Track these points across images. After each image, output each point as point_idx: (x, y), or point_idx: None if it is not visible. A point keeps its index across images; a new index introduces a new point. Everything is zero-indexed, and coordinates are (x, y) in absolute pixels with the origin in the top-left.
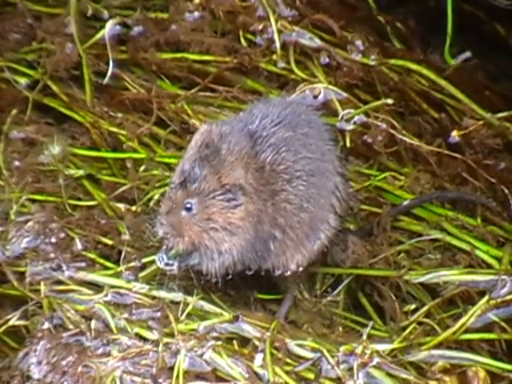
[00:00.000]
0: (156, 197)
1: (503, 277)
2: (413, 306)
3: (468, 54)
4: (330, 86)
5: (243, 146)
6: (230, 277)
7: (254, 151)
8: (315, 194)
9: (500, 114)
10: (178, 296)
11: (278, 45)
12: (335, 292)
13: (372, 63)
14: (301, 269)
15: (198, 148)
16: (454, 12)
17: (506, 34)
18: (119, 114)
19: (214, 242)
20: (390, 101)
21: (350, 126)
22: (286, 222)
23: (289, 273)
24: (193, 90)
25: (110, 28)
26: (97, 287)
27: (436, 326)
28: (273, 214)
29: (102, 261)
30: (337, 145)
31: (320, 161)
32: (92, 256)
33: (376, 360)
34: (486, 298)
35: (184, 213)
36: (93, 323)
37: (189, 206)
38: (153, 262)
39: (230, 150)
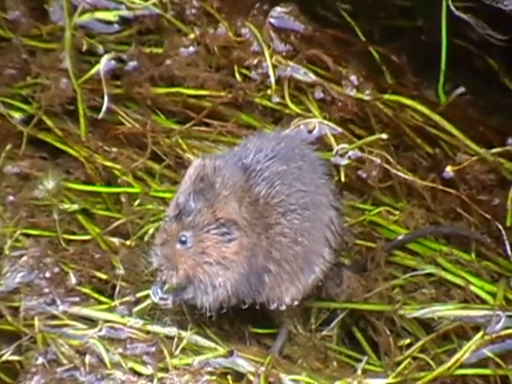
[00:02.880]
0: (150, 231)
1: (498, 312)
2: (407, 341)
3: (462, 89)
4: (325, 121)
5: (237, 180)
6: (224, 311)
7: (248, 185)
8: (310, 227)
9: (494, 150)
10: (172, 331)
11: (272, 80)
12: (330, 326)
13: (366, 98)
14: (295, 302)
15: (192, 181)
16: (447, 47)
17: (499, 69)
18: (114, 149)
19: (207, 276)
20: (384, 136)
21: (345, 161)
22: (281, 256)
23: (283, 307)
24: (187, 125)
25: (104, 63)
26: (91, 322)
27: (431, 361)
28: (267, 248)
29: (96, 295)
30: (331, 179)
31: (314, 194)
32: (86, 290)
33: None
34: (481, 333)
35: (179, 246)
36: (87, 358)
37: (184, 238)
38: (147, 296)
39: (224, 184)
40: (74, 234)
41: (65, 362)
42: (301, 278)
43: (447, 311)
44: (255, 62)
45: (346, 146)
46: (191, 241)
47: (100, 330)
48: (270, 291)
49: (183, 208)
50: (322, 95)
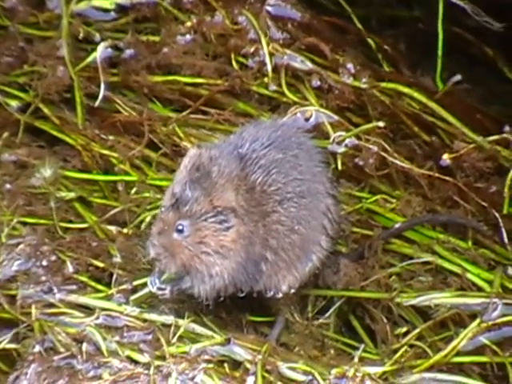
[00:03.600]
0: (147, 219)
1: (494, 300)
2: (404, 329)
3: (458, 77)
4: (322, 109)
5: (233, 169)
6: (221, 299)
7: (244, 173)
8: (306, 215)
9: (491, 138)
10: (169, 319)
11: (269, 68)
12: (327, 314)
13: (363, 86)
14: (292, 291)
15: (188, 171)
16: (444, 35)
17: (496, 57)
18: (111, 137)
19: (205, 265)
20: (381, 124)
21: (342, 149)
22: (278, 244)
23: (280, 295)
24: (184, 113)
25: (101, 51)
26: (88, 310)
27: (427, 349)
28: (264, 236)
29: (93, 283)
30: (328, 167)
31: (311, 182)
32: (83, 279)
33: (367, 383)
34: (478, 320)
35: (176, 235)
36: (84, 346)
37: (181, 227)
38: (144, 284)
39: (220, 173)
40: (70, 222)
41: (62, 350)
42: (298, 266)
43: (444, 299)
44: (252, 50)
45: (342, 133)
46: (188, 229)
47: (97, 318)
48: (267, 279)
49: (180, 197)
50: (318, 83)
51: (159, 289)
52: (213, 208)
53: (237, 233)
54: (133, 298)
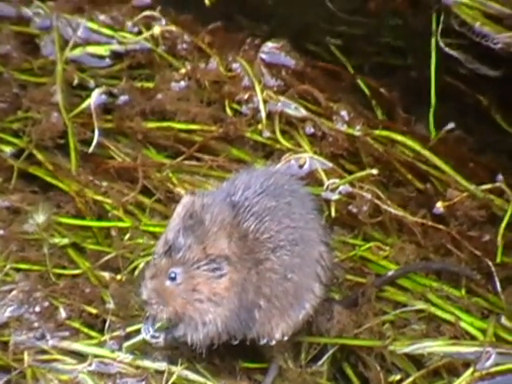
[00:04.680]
0: (141, 265)
1: (488, 349)
2: (398, 377)
3: (452, 125)
4: (316, 156)
5: (226, 216)
6: (215, 347)
7: (237, 221)
8: (300, 263)
9: (484, 186)
10: (162, 365)
11: (263, 114)
12: (320, 362)
13: (357, 134)
14: (286, 338)
15: (181, 218)
16: (437, 83)
17: (490, 105)
18: (104, 183)
19: (198, 313)
20: (374, 171)
21: (335, 196)
22: (271, 291)
23: (274, 342)
24: (178, 159)
25: (95, 97)
26: (81, 356)
27: None
28: (257, 283)
29: (86, 330)
30: (321, 214)
31: (304, 230)
32: (76, 325)
33: None
34: (471, 369)
35: (168, 282)
36: None
37: (173, 275)
38: (137, 330)
39: (213, 221)
40: (64, 268)
41: None
42: (291, 314)
43: (437, 347)
44: (246, 96)
45: (336, 181)
46: (181, 277)
47: (90, 364)
48: (260, 327)
49: (173, 244)
50: (312, 130)
51: (153, 337)
52: (206, 256)
53: (230, 280)
54: (126, 344)
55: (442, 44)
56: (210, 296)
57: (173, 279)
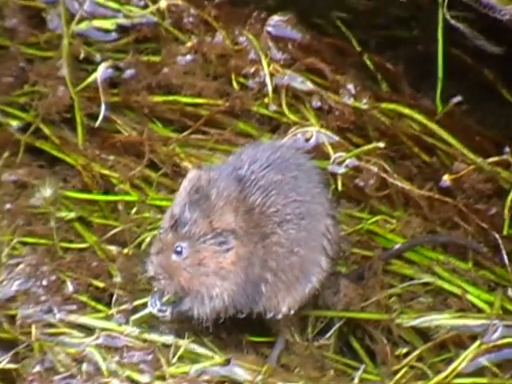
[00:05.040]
0: (148, 239)
1: (494, 321)
2: (404, 350)
3: (459, 98)
4: (322, 130)
5: (232, 191)
6: (221, 321)
7: (243, 195)
8: (306, 237)
9: (491, 159)
10: (169, 339)
11: (269, 88)
12: (327, 335)
13: (364, 107)
14: (292, 312)
15: (187, 193)
16: (444, 57)
17: (496, 78)
18: (111, 157)
19: (204, 287)
20: (381, 144)
21: (342, 170)
22: (277, 265)
23: (280, 316)
24: (184, 133)
25: (102, 71)
26: (88, 330)
27: (428, 370)
28: (264, 257)
29: (93, 303)
30: (327, 187)
31: (310, 204)
32: (83, 299)
33: None
34: (478, 342)
35: (174, 256)
36: (84, 366)
37: (179, 249)
38: (144, 304)
39: (219, 195)
40: (71, 242)
41: (62, 370)
42: (297, 288)
43: (444, 320)
44: (252, 70)
45: (343, 154)
46: (187, 252)
47: (97, 338)
48: (266, 301)
49: (179, 219)
50: (319, 104)
51: (160, 310)
52: (212, 230)
53: (236, 254)
54: (133, 318)
55: (448, 17)
56: (216, 270)
57: (179, 253)
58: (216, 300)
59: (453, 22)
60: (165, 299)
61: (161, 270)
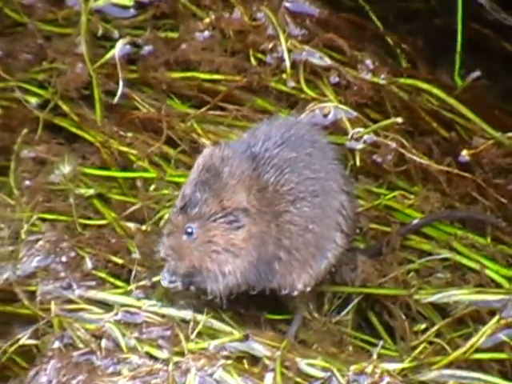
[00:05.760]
0: (166, 216)
1: None
2: (423, 326)
3: (478, 73)
4: (340, 105)
5: (245, 169)
6: (233, 296)
7: (257, 173)
8: (320, 214)
9: (510, 134)
10: (187, 314)
11: (287, 64)
12: (345, 311)
13: (382, 82)
14: (308, 288)
15: (199, 172)
16: (463, 30)
17: None
18: (129, 134)
19: (216, 264)
20: (399, 120)
21: (360, 145)
22: (291, 244)
23: (296, 293)
24: (202, 109)
25: (120, 48)
26: (107, 306)
27: (446, 346)
28: (277, 236)
29: (112, 280)
30: (342, 163)
31: (324, 180)
32: (102, 275)
33: (386, 379)
34: (497, 317)
35: (185, 237)
36: (103, 342)
37: (190, 230)
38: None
39: (231, 173)
40: (89, 218)
41: (81, 346)
42: (313, 265)
43: (462, 295)
44: (270, 46)
45: (361, 130)
46: (197, 231)
47: (116, 314)
48: (281, 278)
49: (189, 200)
50: (337, 79)
51: (170, 282)
52: (222, 209)
53: (248, 232)
54: (155, 293)
55: None
56: (226, 247)
57: (189, 234)
58: (229, 277)
59: None
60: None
61: (172, 252)
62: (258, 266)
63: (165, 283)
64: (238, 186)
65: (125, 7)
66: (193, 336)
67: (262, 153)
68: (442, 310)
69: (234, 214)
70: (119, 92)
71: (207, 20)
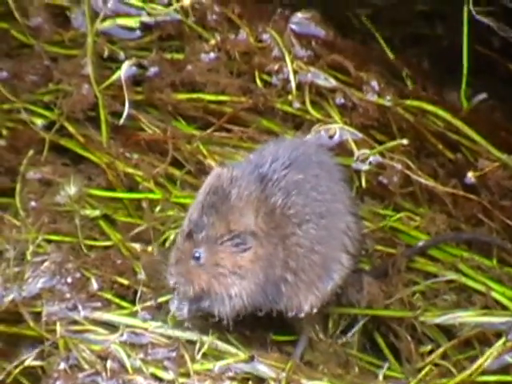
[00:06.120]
0: (172, 237)
1: None
2: (429, 347)
3: (484, 95)
4: (346, 127)
5: (253, 190)
6: (240, 318)
7: (264, 195)
8: (326, 235)
9: None
10: (193, 336)
11: (293, 85)
12: (350, 333)
13: (387, 104)
14: (315, 310)
15: (205, 194)
16: (469, 52)
17: None
18: (135, 155)
19: (223, 287)
20: (405, 141)
21: (366, 167)
22: (298, 265)
23: (303, 314)
24: (208, 131)
25: (126, 69)
26: (112, 327)
27: (452, 368)
28: (284, 258)
29: (117, 300)
30: (349, 184)
31: (331, 202)
32: (108, 296)
33: None
34: (503, 339)
35: (192, 262)
36: (108, 363)
37: (197, 255)
38: (168, 301)
39: (239, 195)
40: (95, 239)
41: (86, 367)
42: (319, 286)
43: (468, 317)
44: (276, 67)
45: (366, 151)
46: (204, 256)
47: (121, 335)
48: (287, 300)
49: (195, 224)
50: (342, 101)
51: (177, 309)
52: (229, 231)
53: (255, 254)
54: (166, 317)
55: (473, 11)
56: (233, 269)
57: (197, 259)
58: (236, 299)
59: (479, 16)
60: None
61: (180, 278)
62: (265, 287)
63: (173, 310)
64: (245, 208)
65: (131, 29)
66: (198, 357)
67: (270, 174)
68: (447, 331)
69: (241, 236)
70: (125, 113)
71: (213, 41)
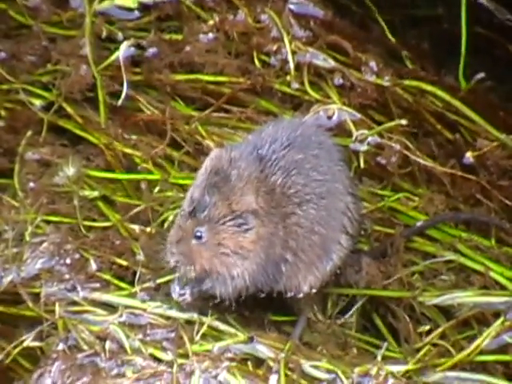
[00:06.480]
0: (170, 218)
1: None
2: (427, 328)
3: (482, 75)
4: (344, 107)
5: (253, 170)
6: (242, 299)
7: (264, 175)
8: (326, 216)
9: None
10: (192, 316)
11: (291, 66)
12: (349, 313)
13: (386, 84)
14: (314, 290)
15: (207, 175)
16: (468, 34)
17: None
18: (133, 136)
19: (225, 267)
20: (403, 122)
21: (364, 147)
22: (298, 245)
23: (302, 294)
24: (207, 111)
25: (124, 50)
26: (111, 308)
27: (450, 348)
28: (284, 237)
29: (116, 281)
30: (348, 165)
31: (330, 182)
32: (106, 277)
33: (390, 381)
34: (501, 319)
35: (194, 241)
36: (107, 344)
37: (199, 234)
38: (167, 282)
39: (239, 176)
40: (94, 220)
41: (85, 347)
42: (318, 266)
43: (467, 297)
44: (274, 48)
45: (365, 132)
46: (207, 235)
47: (120, 315)
48: (287, 280)
49: (198, 203)
50: (341, 81)
51: (180, 295)
52: (231, 212)
53: (256, 234)
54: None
55: None
56: (236, 249)
57: (198, 238)
58: (237, 279)
59: None
60: (184, 281)
61: (182, 258)
62: (266, 267)
63: (175, 296)
64: (246, 188)
65: (129, 9)
66: (197, 338)
67: (269, 154)
68: (446, 312)
69: (243, 216)
70: (123, 94)
71: (211, 22)
